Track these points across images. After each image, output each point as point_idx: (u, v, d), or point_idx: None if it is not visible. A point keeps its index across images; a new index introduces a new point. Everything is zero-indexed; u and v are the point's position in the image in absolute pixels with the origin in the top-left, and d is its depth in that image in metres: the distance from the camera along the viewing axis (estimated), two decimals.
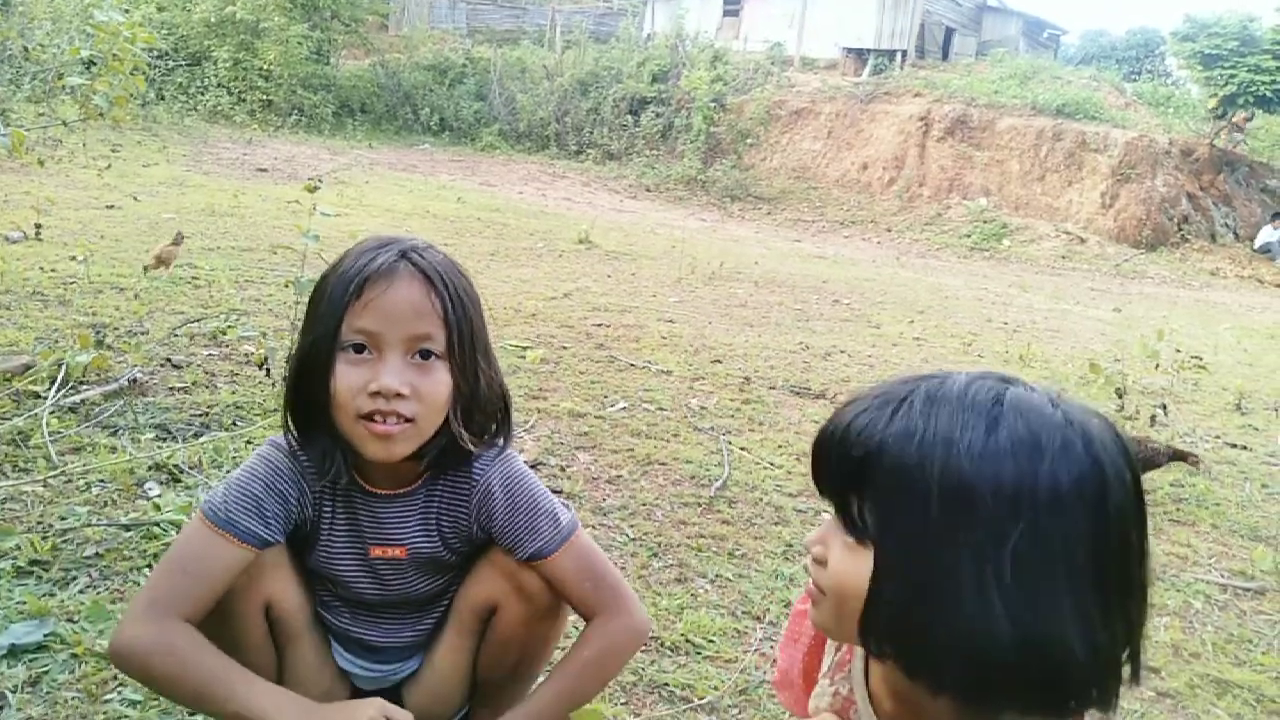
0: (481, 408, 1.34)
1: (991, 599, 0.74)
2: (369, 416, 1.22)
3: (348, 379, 1.22)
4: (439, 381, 1.26)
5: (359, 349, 1.22)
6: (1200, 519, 3.34)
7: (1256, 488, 3.79)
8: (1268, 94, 15.55)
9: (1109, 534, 0.77)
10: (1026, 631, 0.74)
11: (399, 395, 1.22)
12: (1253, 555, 2.98)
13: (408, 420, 1.24)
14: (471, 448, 1.33)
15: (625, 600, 1.40)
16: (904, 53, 21.52)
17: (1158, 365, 4.62)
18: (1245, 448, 4.40)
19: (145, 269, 4.74)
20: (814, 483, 0.91)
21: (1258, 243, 15.59)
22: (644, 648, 2.03)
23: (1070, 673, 0.76)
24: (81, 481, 2.44)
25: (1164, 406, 4.29)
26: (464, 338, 1.27)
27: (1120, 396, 4.19)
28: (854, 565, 0.84)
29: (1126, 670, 0.82)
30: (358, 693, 1.49)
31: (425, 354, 1.24)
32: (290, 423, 1.32)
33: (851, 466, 0.83)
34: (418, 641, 1.49)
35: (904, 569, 0.80)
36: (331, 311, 1.23)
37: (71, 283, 4.54)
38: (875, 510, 0.82)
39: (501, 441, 1.40)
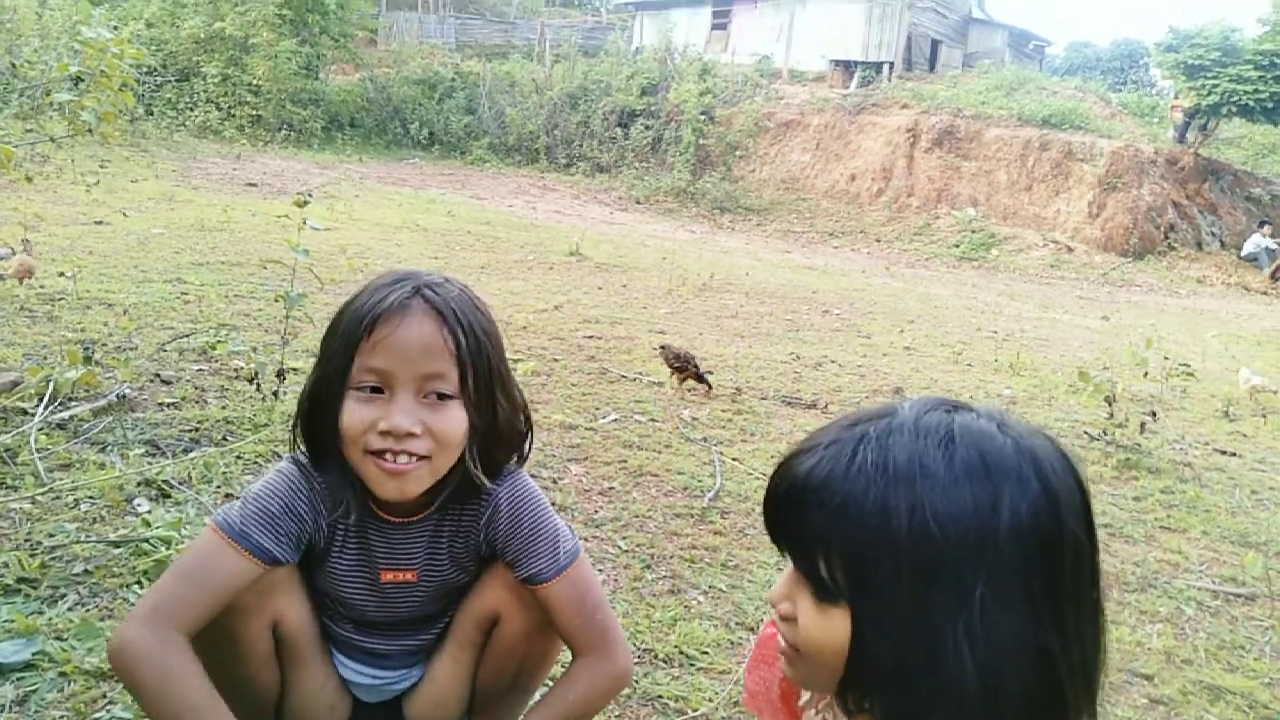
0: (500, 442, 1.33)
1: (964, 653, 0.74)
2: (379, 454, 1.21)
3: (356, 416, 1.21)
4: (453, 420, 1.24)
5: (372, 389, 1.21)
6: (1191, 526, 3.35)
7: (1246, 494, 3.80)
8: (1250, 103, 15.70)
9: (1065, 560, 0.76)
10: (999, 684, 0.74)
11: (411, 435, 1.20)
12: (1243, 561, 2.99)
13: (422, 458, 1.22)
14: (486, 484, 1.33)
15: (611, 643, 1.37)
16: (891, 64, 21.67)
17: (1146, 373, 4.64)
18: (1234, 454, 4.43)
19: (2, 278, 4.61)
20: (770, 537, 0.88)
21: (1245, 250, 15.73)
22: (638, 660, 2.02)
23: (1032, 714, 0.76)
24: (70, 498, 2.42)
25: (1153, 413, 4.32)
26: (479, 375, 1.25)
27: (1110, 404, 4.20)
28: (828, 625, 0.82)
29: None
30: (360, 705, 1.49)
31: (439, 394, 1.23)
32: (303, 452, 1.32)
33: (815, 526, 0.81)
34: (422, 649, 1.49)
35: (882, 628, 0.78)
36: (343, 349, 1.22)
37: (59, 299, 4.52)
38: (846, 569, 0.79)
39: (516, 463, 1.40)
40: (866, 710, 0.83)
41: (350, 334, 1.22)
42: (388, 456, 1.21)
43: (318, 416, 1.26)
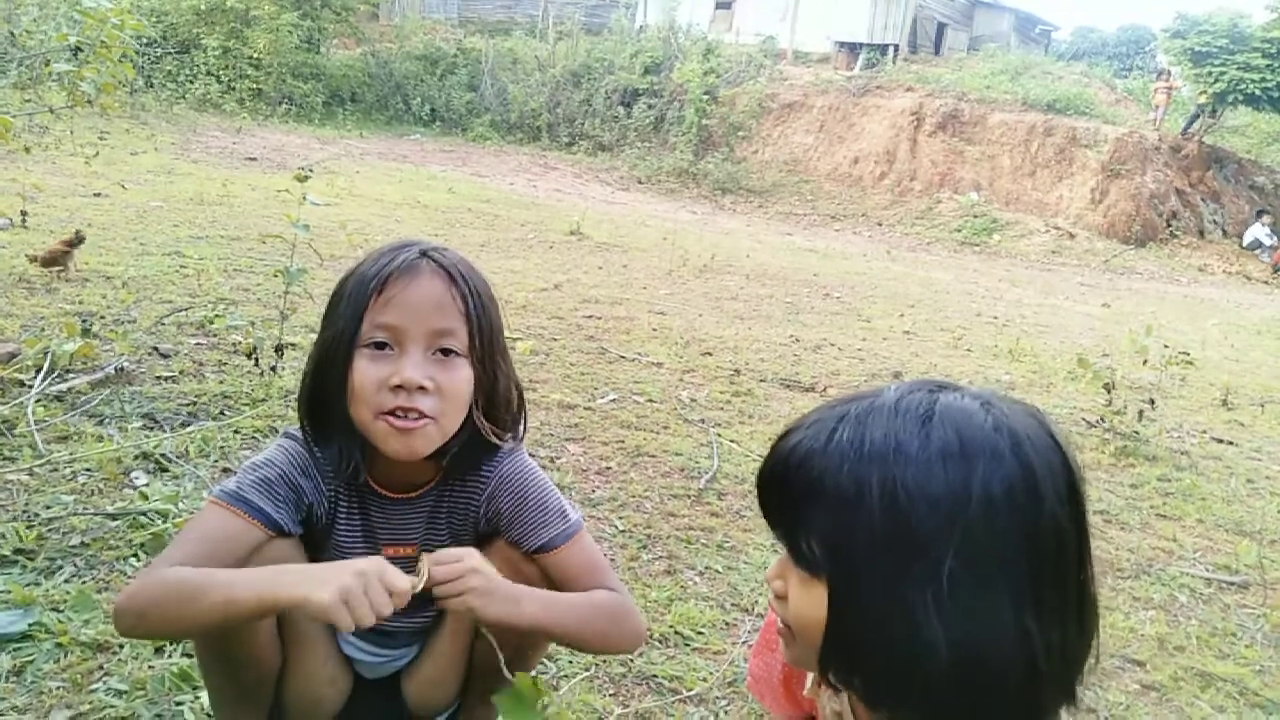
0: (501, 405, 1.35)
1: (935, 627, 0.74)
2: (390, 413, 1.22)
3: (368, 374, 1.22)
4: (461, 377, 1.26)
5: (380, 345, 1.23)
6: (1186, 513, 3.36)
7: (1241, 482, 3.81)
8: (1256, 92, 15.60)
9: (1043, 539, 0.76)
10: (972, 660, 0.74)
11: (421, 389, 1.22)
12: (1237, 549, 3.01)
13: (429, 418, 1.23)
14: (497, 440, 1.34)
15: (628, 599, 1.40)
16: (896, 47, 21.52)
17: (1146, 360, 4.64)
18: (1231, 443, 4.43)
19: (31, 259, 4.32)
20: (764, 518, 0.90)
21: (1246, 239, 15.71)
22: None
23: (1014, 698, 0.75)
24: (67, 470, 2.42)
25: (1152, 401, 4.32)
26: (484, 334, 1.28)
27: (1108, 391, 4.20)
28: (810, 599, 0.83)
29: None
30: (361, 681, 1.49)
31: (446, 351, 1.25)
32: (305, 421, 1.32)
33: (794, 500, 0.83)
34: (424, 627, 1.49)
35: (856, 598, 0.79)
36: (352, 309, 1.23)
37: (59, 271, 4.50)
38: (822, 542, 0.81)
39: (512, 440, 1.40)
40: (852, 687, 0.84)
41: (359, 295, 1.23)
42: (398, 414, 1.22)
43: (324, 382, 1.27)
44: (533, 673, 1.69)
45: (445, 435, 1.28)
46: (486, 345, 1.28)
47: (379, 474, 1.36)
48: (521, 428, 1.42)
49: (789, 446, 0.84)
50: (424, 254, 1.27)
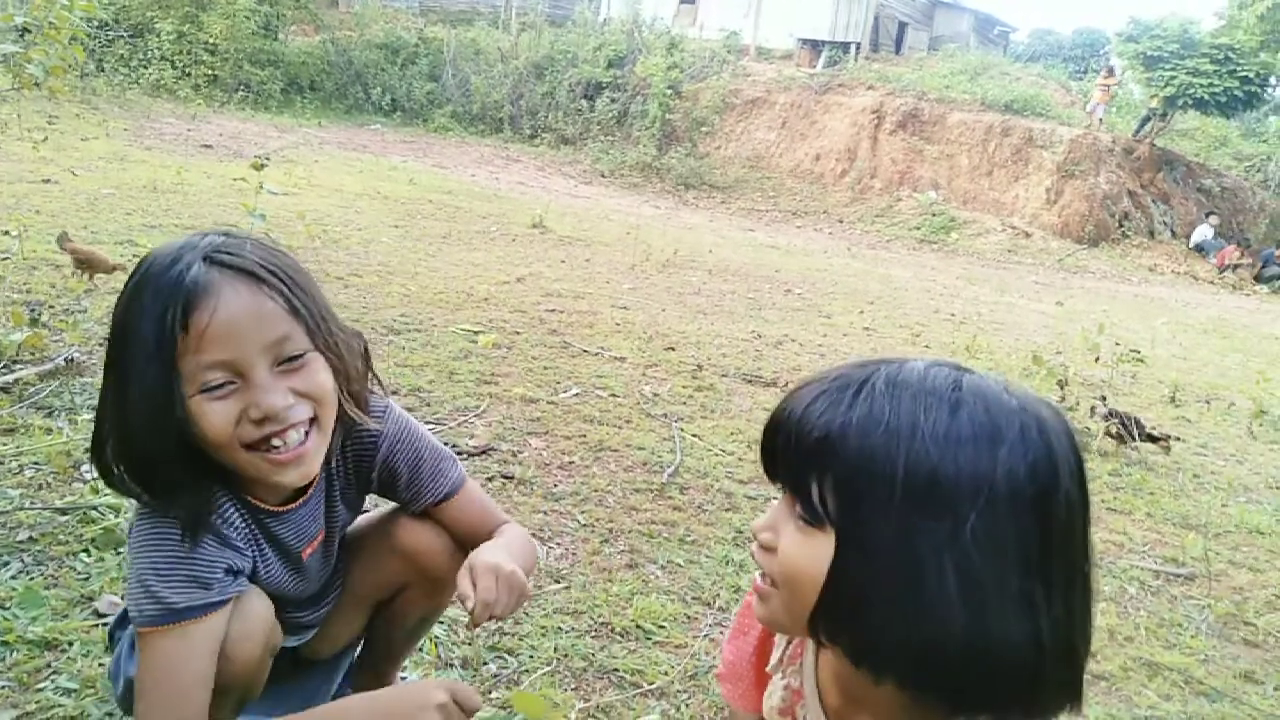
0: (356, 375, 1.26)
1: (948, 587, 0.75)
2: (262, 445, 1.11)
3: (220, 416, 1.08)
4: (319, 373, 1.16)
5: (215, 387, 1.08)
6: (1136, 508, 3.44)
7: (1188, 477, 3.91)
8: (1204, 96, 16.01)
9: (1055, 522, 0.78)
10: (976, 622, 0.75)
11: (288, 408, 1.12)
12: (1184, 542, 3.09)
13: (311, 422, 1.15)
14: (372, 425, 1.30)
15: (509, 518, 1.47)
16: (858, 45, 21.71)
17: (1098, 358, 4.75)
18: (1178, 439, 4.54)
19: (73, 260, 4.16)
20: (764, 467, 0.90)
21: (1193, 241, 16.12)
22: (594, 633, 2.03)
23: (1012, 671, 0.77)
24: (14, 464, 2.36)
25: (1103, 398, 4.41)
26: (315, 316, 1.16)
27: (1061, 388, 4.29)
28: (808, 550, 0.83)
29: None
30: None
31: (291, 357, 1.13)
32: (144, 492, 1.15)
33: (810, 448, 0.82)
34: (330, 610, 1.50)
35: (866, 553, 0.79)
36: (158, 358, 1.06)
37: (5, 258, 4.38)
38: (837, 493, 0.80)
39: (378, 392, 1.35)
40: (838, 643, 0.85)
41: (157, 338, 1.05)
42: (275, 444, 1.12)
43: (148, 446, 1.11)
44: (492, 666, 1.70)
45: (327, 436, 1.20)
46: (322, 326, 1.17)
47: (262, 494, 1.25)
48: (373, 372, 1.34)
49: (809, 398, 0.84)
50: (210, 260, 1.09)
